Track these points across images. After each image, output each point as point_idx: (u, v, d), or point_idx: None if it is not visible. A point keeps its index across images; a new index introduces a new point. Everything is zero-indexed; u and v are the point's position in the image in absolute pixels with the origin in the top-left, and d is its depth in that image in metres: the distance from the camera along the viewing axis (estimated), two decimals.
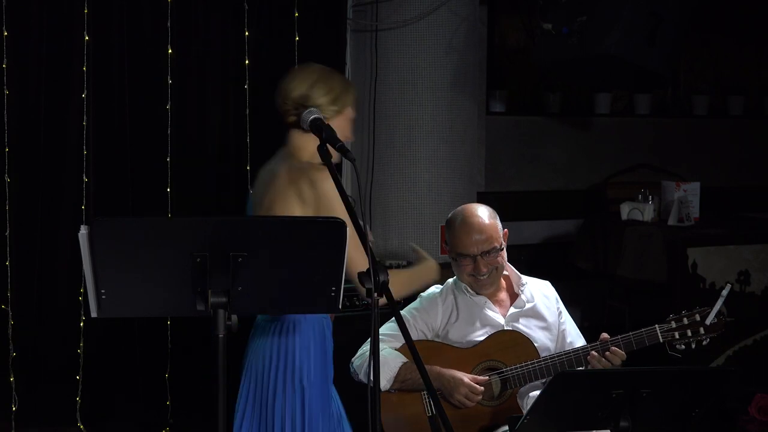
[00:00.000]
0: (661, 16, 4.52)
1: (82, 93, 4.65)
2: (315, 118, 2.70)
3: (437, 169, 5.32)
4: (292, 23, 5.05)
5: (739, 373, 2.71)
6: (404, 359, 3.26)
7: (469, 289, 3.38)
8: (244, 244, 2.21)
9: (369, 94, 5.31)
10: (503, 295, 3.44)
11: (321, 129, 2.66)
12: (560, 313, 3.46)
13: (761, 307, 5.33)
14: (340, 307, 2.37)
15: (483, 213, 3.34)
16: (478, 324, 3.36)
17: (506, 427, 3.15)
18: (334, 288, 2.32)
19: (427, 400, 3.27)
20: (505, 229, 3.38)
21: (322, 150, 2.62)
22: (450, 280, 3.49)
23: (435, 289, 3.47)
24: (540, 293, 3.45)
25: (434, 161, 5.32)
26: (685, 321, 3.26)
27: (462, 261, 3.33)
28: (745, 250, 5.32)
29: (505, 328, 3.34)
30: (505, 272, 3.43)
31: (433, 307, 3.41)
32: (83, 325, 4.70)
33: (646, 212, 5.49)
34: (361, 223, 2.48)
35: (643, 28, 4.52)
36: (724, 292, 3.22)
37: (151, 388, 4.85)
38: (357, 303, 4.41)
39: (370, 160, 5.31)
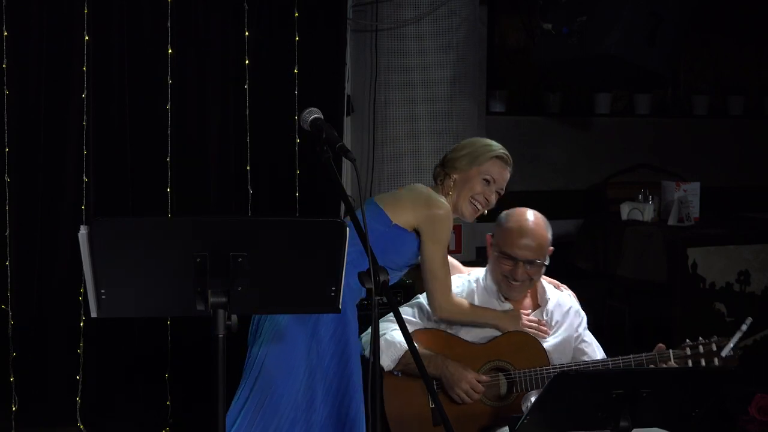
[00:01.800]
0: (661, 16, 4.52)
1: (82, 93, 4.65)
2: (315, 118, 2.70)
3: None
4: (292, 23, 5.05)
5: (739, 373, 2.71)
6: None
7: (496, 290, 3.37)
8: (244, 244, 2.21)
9: (369, 94, 5.32)
10: (526, 302, 3.43)
11: (321, 129, 2.66)
12: (579, 335, 3.43)
13: (761, 307, 5.33)
14: (340, 307, 2.37)
15: (541, 223, 3.37)
16: None
17: (506, 428, 3.15)
18: (333, 288, 2.32)
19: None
20: (551, 247, 3.39)
21: (322, 150, 2.62)
22: (473, 275, 3.48)
23: (457, 281, 3.44)
24: (561, 309, 3.43)
25: (434, 161, 5.27)
26: (701, 349, 3.19)
27: (503, 260, 3.32)
28: (745, 250, 5.32)
29: (517, 331, 3.33)
30: None
31: None
32: (83, 325, 4.70)
33: (646, 212, 5.49)
34: (362, 223, 2.48)
35: (643, 28, 4.52)
36: (744, 327, 3.14)
37: (151, 388, 4.85)
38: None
39: (370, 160, 5.31)
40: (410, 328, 3.30)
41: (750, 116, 7.33)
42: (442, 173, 3.39)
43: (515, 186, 6.61)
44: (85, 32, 4.62)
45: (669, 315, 5.10)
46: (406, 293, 4.69)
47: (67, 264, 4.65)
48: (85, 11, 4.61)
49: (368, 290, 2.38)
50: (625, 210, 5.56)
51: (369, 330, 3.36)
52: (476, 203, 3.34)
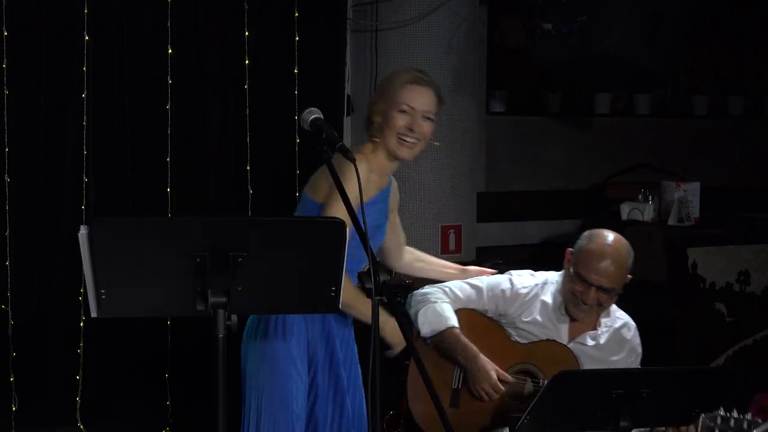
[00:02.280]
0: (661, 16, 4.52)
1: (82, 93, 4.65)
2: (315, 118, 2.70)
3: (437, 169, 5.32)
4: (292, 23, 5.05)
5: (739, 373, 2.70)
6: (453, 324, 3.24)
7: (560, 304, 3.30)
8: (244, 244, 2.21)
9: (369, 94, 5.31)
10: (583, 323, 3.35)
11: (321, 129, 2.66)
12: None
13: (761, 307, 5.33)
14: (340, 307, 2.37)
15: (623, 250, 3.23)
16: (540, 327, 3.32)
17: (506, 429, 3.16)
18: (333, 288, 2.32)
19: (459, 373, 3.27)
20: (630, 275, 3.27)
21: (322, 150, 2.62)
22: (546, 280, 3.40)
23: (528, 281, 3.38)
24: (615, 340, 3.36)
25: (434, 161, 5.31)
26: (732, 423, 3.11)
27: (576, 282, 3.23)
28: (745, 250, 5.32)
29: (560, 342, 3.30)
30: None
31: (514, 300, 3.35)
32: (83, 325, 4.70)
33: (646, 212, 5.48)
34: (362, 223, 2.48)
35: (643, 28, 4.52)
36: None
37: (151, 388, 4.85)
38: None
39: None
40: (458, 305, 3.32)
41: (750, 116, 7.32)
42: (367, 123, 3.19)
43: (515, 186, 6.66)
44: (85, 32, 4.62)
45: (669, 315, 5.10)
46: (406, 293, 4.69)
47: (67, 264, 4.65)
48: (85, 11, 4.61)
49: (368, 290, 2.38)
50: (625, 210, 5.56)
51: (419, 297, 3.36)
52: (404, 138, 3.07)
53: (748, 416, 3.08)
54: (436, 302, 3.30)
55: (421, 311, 3.29)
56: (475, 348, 3.22)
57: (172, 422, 4.88)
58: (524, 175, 6.50)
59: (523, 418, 2.60)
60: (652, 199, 5.52)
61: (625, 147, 6.74)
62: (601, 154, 6.70)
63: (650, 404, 2.56)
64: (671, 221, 5.42)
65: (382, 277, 2.34)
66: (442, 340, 3.24)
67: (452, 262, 5.31)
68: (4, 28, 4.50)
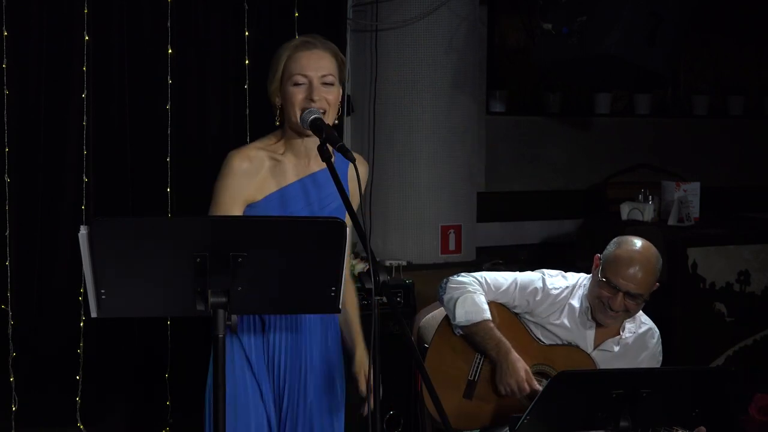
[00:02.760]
0: (661, 16, 4.52)
1: (82, 93, 4.64)
2: (315, 118, 2.69)
3: (437, 169, 5.32)
4: (292, 23, 5.05)
5: (739, 373, 2.71)
6: (489, 317, 3.25)
7: (587, 308, 3.29)
8: (244, 244, 2.21)
9: (369, 94, 5.31)
10: (609, 328, 3.33)
11: (321, 129, 2.65)
12: None
13: (761, 307, 5.33)
14: (340, 307, 2.37)
15: (653, 257, 3.21)
16: (567, 331, 3.32)
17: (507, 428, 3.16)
18: (333, 288, 2.32)
19: (479, 363, 3.28)
20: (658, 283, 3.24)
21: (322, 150, 2.61)
22: (577, 282, 3.38)
23: (560, 283, 3.37)
24: (637, 345, 3.34)
25: (434, 161, 5.32)
26: None
27: (604, 287, 3.21)
28: (745, 250, 5.32)
29: (582, 349, 3.29)
30: None
31: (545, 300, 3.34)
32: (83, 325, 4.70)
33: (646, 212, 5.48)
34: (362, 223, 2.48)
35: (643, 28, 4.52)
36: None
37: (151, 388, 4.85)
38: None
39: (370, 160, 5.31)
40: (489, 297, 3.31)
41: (750, 116, 7.32)
42: (273, 111, 2.85)
43: (515, 186, 6.66)
44: (85, 32, 4.62)
45: (669, 315, 5.10)
46: (406, 293, 4.70)
47: (67, 264, 4.65)
48: (85, 11, 4.61)
49: (368, 290, 2.38)
50: (625, 210, 5.56)
51: (453, 284, 3.33)
52: (307, 113, 2.71)
53: None
54: (474, 293, 3.29)
55: (460, 299, 3.28)
56: (508, 344, 3.22)
57: (172, 422, 4.87)
58: (524, 175, 6.50)
59: (523, 418, 2.61)
60: (652, 199, 5.52)
61: (625, 147, 6.74)
62: (601, 154, 6.70)
63: (650, 404, 2.57)
64: (671, 221, 5.42)
65: (382, 277, 2.34)
66: (475, 332, 3.24)
67: (452, 262, 5.35)
68: (4, 28, 4.50)
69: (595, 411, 2.57)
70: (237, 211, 2.78)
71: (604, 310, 3.23)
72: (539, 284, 3.36)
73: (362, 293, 4.36)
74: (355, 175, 2.51)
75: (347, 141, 5.42)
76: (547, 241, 6.40)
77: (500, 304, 3.36)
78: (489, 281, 3.36)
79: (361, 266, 4.59)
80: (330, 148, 2.66)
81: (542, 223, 6.39)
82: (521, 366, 3.19)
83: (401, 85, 5.27)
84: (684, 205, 5.42)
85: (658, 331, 3.40)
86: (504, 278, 3.39)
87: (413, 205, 5.33)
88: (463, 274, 3.41)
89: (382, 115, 5.29)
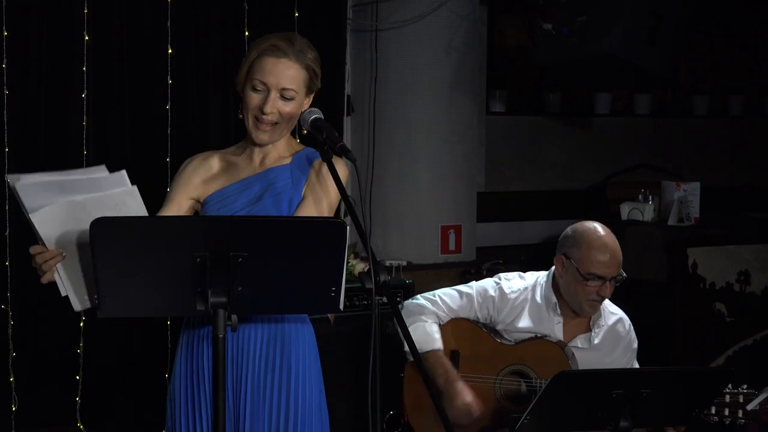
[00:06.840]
0: (661, 15, 4.52)
1: (82, 93, 4.65)
2: (315, 118, 2.70)
3: (437, 169, 5.32)
4: (292, 23, 5.05)
5: (739, 373, 2.70)
6: (438, 347, 3.25)
7: (555, 303, 3.30)
8: (244, 244, 2.20)
9: (369, 94, 5.31)
10: (576, 321, 3.35)
11: (321, 129, 2.65)
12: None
13: (761, 307, 5.33)
14: (340, 307, 2.37)
15: (612, 235, 3.28)
16: (532, 331, 3.32)
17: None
18: (334, 288, 2.32)
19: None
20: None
21: (322, 150, 2.61)
22: (536, 281, 3.39)
23: (517, 284, 3.38)
24: (609, 339, 3.36)
25: (434, 161, 5.32)
26: (727, 398, 3.06)
27: (591, 282, 3.23)
28: (745, 250, 5.32)
29: (549, 339, 3.30)
30: None
31: (504, 305, 3.35)
32: (83, 325, 4.70)
33: (646, 212, 5.48)
34: (362, 223, 2.48)
35: (644, 27, 4.52)
36: None
37: (151, 388, 4.84)
38: (357, 303, 4.41)
39: (370, 159, 5.31)
40: (450, 316, 3.32)
41: (750, 116, 7.32)
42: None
43: (515, 186, 6.65)
44: (85, 32, 4.62)
45: (669, 315, 5.10)
46: (406, 293, 4.69)
47: None
48: (85, 11, 4.61)
49: (368, 290, 2.38)
50: (625, 210, 5.56)
51: (408, 308, 3.34)
52: (258, 120, 2.66)
53: (744, 388, 3.05)
54: (426, 322, 3.30)
55: (410, 328, 3.26)
56: (456, 373, 3.23)
57: None
58: (524, 175, 6.50)
59: (523, 418, 2.60)
60: (652, 199, 5.52)
61: (625, 147, 6.74)
62: (601, 154, 6.70)
63: (650, 404, 2.56)
64: (671, 221, 5.42)
65: (383, 277, 2.34)
66: (425, 359, 3.23)
67: (452, 262, 5.35)
68: (4, 28, 4.50)
69: (595, 411, 2.56)
70: (184, 202, 2.83)
71: (592, 302, 3.25)
72: (494, 292, 3.37)
73: (362, 293, 4.40)
74: (332, 171, 2.52)
75: (347, 141, 5.42)
76: (547, 241, 6.40)
77: (462, 319, 3.36)
78: (447, 300, 3.36)
79: (361, 266, 4.60)
80: (298, 148, 2.73)
81: (542, 223, 6.39)
82: (468, 392, 3.19)
83: (401, 85, 5.27)
84: (684, 205, 5.42)
85: (627, 318, 3.43)
86: (461, 293, 3.38)
87: (413, 205, 5.33)
88: (419, 296, 3.41)
89: (382, 115, 5.29)
